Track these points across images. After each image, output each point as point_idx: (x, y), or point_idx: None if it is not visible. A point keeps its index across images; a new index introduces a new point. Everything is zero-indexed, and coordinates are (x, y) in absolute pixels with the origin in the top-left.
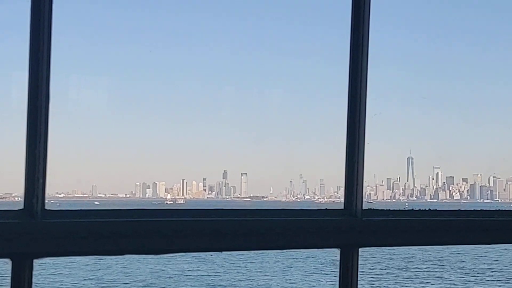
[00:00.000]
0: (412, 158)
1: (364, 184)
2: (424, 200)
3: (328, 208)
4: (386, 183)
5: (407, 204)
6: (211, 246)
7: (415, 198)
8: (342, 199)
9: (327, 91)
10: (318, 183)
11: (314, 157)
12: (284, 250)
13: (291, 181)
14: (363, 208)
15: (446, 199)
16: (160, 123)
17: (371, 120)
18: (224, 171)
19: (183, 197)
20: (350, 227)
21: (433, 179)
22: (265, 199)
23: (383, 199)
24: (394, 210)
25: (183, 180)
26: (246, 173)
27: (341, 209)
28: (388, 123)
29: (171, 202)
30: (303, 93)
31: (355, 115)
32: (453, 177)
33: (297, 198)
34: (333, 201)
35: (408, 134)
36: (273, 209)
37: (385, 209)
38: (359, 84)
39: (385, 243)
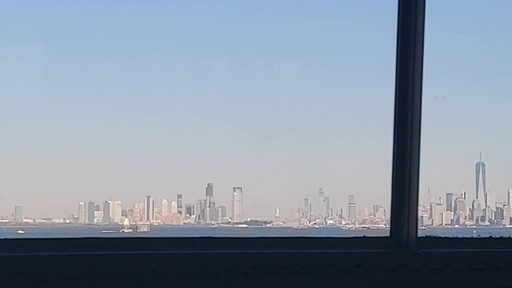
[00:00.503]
0: (484, 165)
1: None
2: (501, 226)
3: (366, 236)
4: (446, 201)
5: (475, 232)
6: None
7: (488, 223)
8: (381, 225)
9: (365, 66)
10: (346, 201)
11: (341, 164)
12: None
13: (306, 199)
14: (418, 235)
15: None
16: (115, 114)
17: (429, 106)
18: (209, 184)
19: (146, 223)
20: (400, 263)
21: None
22: (268, 225)
23: (441, 224)
24: (462, 238)
25: (148, 198)
26: (240, 188)
27: (387, 238)
28: (450, 112)
29: (130, 230)
30: (329, 68)
31: (406, 101)
32: None
33: (314, 224)
34: (367, 228)
35: (477, 128)
36: (286, 237)
37: (449, 236)
38: (411, 54)
39: (452, 285)
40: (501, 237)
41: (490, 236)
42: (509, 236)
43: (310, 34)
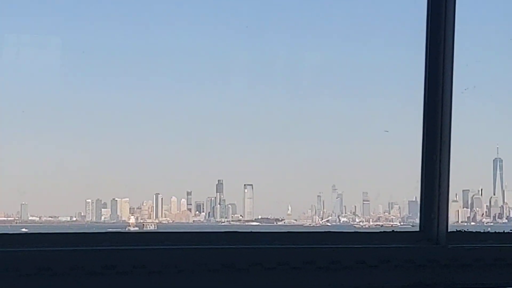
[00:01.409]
0: (501, 160)
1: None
2: None
3: (396, 230)
4: (462, 198)
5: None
6: (224, 286)
7: (506, 220)
8: (395, 222)
9: (391, 57)
10: (360, 198)
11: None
12: None
13: (319, 196)
14: (449, 230)
15: None
16: (123, 109)
17: (459, 97)
18: (219, 181)
19: (153, 221)
20: (430, 258)
21: None
22: (280, 222)
23: (457, 221)
24: (494, 233)
25: (156, 195)
26: (251, 185)
27: (416, 232)
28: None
29: (136, 228)
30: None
31: (437, 90)
32: None
33: (327, 221)
34: (381, 225)
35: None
36: (313, 232)
37: (480, 231)
38: (441, 38)
39: (484, 281)
40: None
41: None
42: None
43: (332, 23)
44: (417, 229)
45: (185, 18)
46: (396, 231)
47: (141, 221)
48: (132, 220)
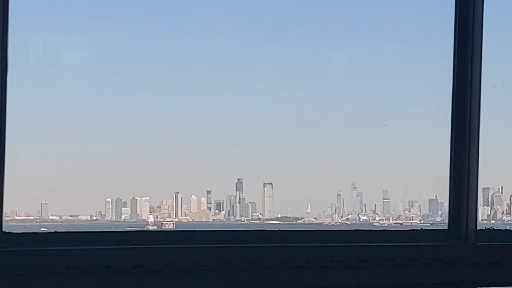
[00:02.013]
0: None
1: (446, 197)
2: None
3: (424, 228)
4: (482, 196)
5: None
6: (251, 285)
7: None
8: (415, 221)
9: (418, 53)
10: (380, 196)
11: (375, 158)
12: None
13: (339, 194)
14: (478, 228)
15: None
16: (145, 108)
17: (488, 93)
18: (238, 180)
19: (173, 220)
20: (459, 256)
21: None
22: (299, 221)
23: (477, 218)
24: None
25: (176, 194)
26: (271, 183)
27: (445, 230)
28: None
29: (155, 227)
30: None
31: (465, 87)
32: None
33: (346, 220)
34: (401, 223)
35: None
36: (341, 230)
37: (510, 229)
38: (470, 34)
39: (511, 279)
40: None
41: None
42: None
43: (358, 22)
44: (439, 227)
45: (211, 19)
46: (425, 229)
47: (161, 220)
48: (151, 219)
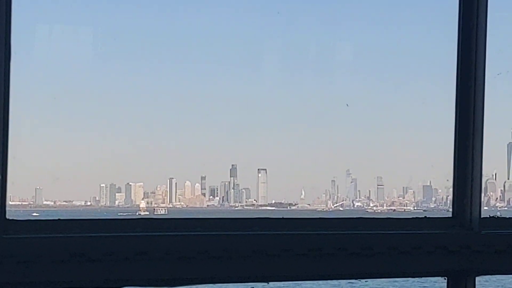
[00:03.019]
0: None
1: (447, 184)
2: None
3: (428, 216)
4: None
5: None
6: (255, 273)
7: None
8: (409, 207)
9: (423, 41)
10: (374, 183)
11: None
12: (363, 280)
13: (333, 181)
14: (481, 216)
15: None
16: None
17: (492, 81)
18: (233, 166)
19: (166, 205)
20: (463, 244)
21: None
22: (293, 207)
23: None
24: None
25: (170, 180)
26: (265, 169)
27: (449, 218)
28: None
29: (147, 213)
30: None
31: (470, 75)
32: None
33: (340, 206)
34: (394, 210)
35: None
36: (344, 218)
37: None
38: (474, 22)
39: None
40: None
41: None
42: None
43: (364, 9)
44: (432, 214)
45: (217, 4)
46: (429, 217)
47: (155, 205)
48: (143, 204)
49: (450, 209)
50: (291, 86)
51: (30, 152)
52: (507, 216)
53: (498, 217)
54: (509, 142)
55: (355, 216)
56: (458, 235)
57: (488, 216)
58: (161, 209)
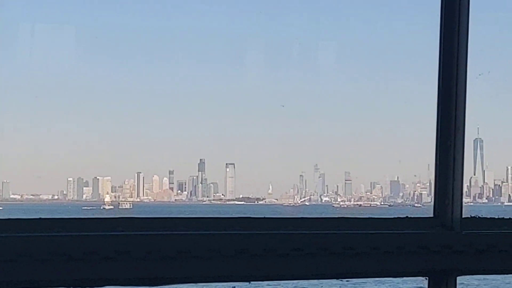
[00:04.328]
0: (482, 141)
1: (414, 180)
2: (499, 203)
3: (410, 216)
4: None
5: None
6: (237, 272)
7: (486, 200)
8: (376, 202)
9: (405, 43)
10: (342, 178)
11: (338, 140)
12: (345, 280)
13: (301, 176)
14: (463, 216)
15: None
16: (109, 89)
17: (473, 82)
18: (201, 160)
19: (134, 200)
20: (444, 244)
21: None
22: (261, 202)
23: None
24: (509, 219)
25: (138, 174)
26: (233, 164)
27: (430, 218)
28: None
29: (111, 207)
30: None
31: (451, 74)
32: None
33: (305, 201)
34: (360, 205)
35: (473, 102)
36: (327, 217)
37: (494, 217)
38: (456, 23)
39: (499, 268)
40: None
41: None
42: None
43: (348, 6)
44: (398, 208)
45: (200, 2)
46: (411, 217)
47: (122, 199)
48: (108, 199)
49: (417, 204)
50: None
51: None
52: (483, 216)
53: (479, 217)
54: (475, 138)
55: (322, 210)
56: (439, 235)
57: (470, 216)
58: (126, 204)
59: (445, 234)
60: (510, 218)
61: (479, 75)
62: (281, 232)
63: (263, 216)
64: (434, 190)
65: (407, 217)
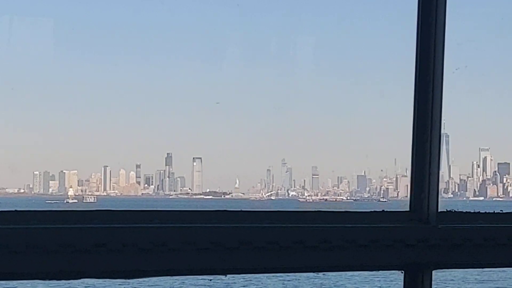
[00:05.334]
0: (448, 136)
1: (381, 174)
2: (464, 198)
3: (386, 210)
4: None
5: None
6: (213, 265)
7: (451, 195)
8: (342, 197)
9: (382, 37)
10: (309, 172)
11: (305, 134)
12: (321, 273)
13: (268, 170)
14: (439, 210)
15: (499, 197)
16: (78, 81)
17: (450, 77)
18: (168, 154)
19: (98, 193)
20: (420, 238)
21: (478, 166)
22: (227, 196)
23: (406, 195)
24: (484, 213)
25: (105, 167)
26: (200, 158)
27: (406, 212)
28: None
29: (75, 201)
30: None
31: (428, 68)
32: (508, 163)
33: (271, 195)
34: (325, 200)
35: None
36: (303, 211)
37: (470, 211)
38: (433, 17)
39: (474, 262)
40: None
41: None
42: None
43: (324, 7)
44: (363, 203)
45: None
46: (387, 211)
47: (88, 193)
48: (71, 192)
49: (382, 199)
50: (234, 78)
51: None
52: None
53: (455, 211)
54: (442, 133)
55: (288, 204)
56: (415, 229)
57: (445, 210)
58: (90, 197)
59: (421, 227)
60: (486, 212)
61: (456, 69)
62: (257, 225)
63: (239, 209)
64: (410, 184)
65: (383, 210)
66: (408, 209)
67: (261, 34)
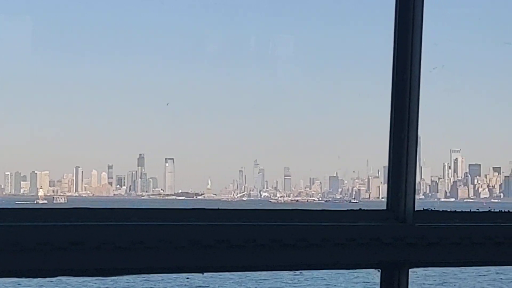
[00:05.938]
0: (419, 137)
1: (353, 175)
2: (435, 199)
3: (362, 209)
4: (383, 174)
5: None
6: (190, 264)
7: (423, 196)
8: (314, 198)
9: (360, 35)
10: (282, 174)
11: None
12: (298, 272)
13: (241, 171)
14: (416, 209)
15: (469, 198)
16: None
17: (428, 76)
18: (140, 155)
19: (70, 194)
20: (397, 236)
21: (449, 168)
22: (199, 197)
23: (378, 197)
24: (460, 212)
25: (77, 168)
26: (172, 159)
27: (383, 210)
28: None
29: (45, 201)
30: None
31: (405, 67)
32: (479, 165)
33: (242, 196)
34: (297, 200)
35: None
36: (280, 209)
37: (447, 210)
38: (410, 16)
39: (451, 260)
40: (500, 211)
41: (489, 210)
42: (508, 211)
43: (303, 6)
44: (334, 204)
45: None
46: (363, 210)
47: (60, 194)
48: (41, 193)
49: (354, 200)
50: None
51: None
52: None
53: (431, 210)
54: None
55: (261, 206)
56: (392, 228)
57: (422, 209)
58: (61, 198)
59: (398, 226)
60: (462, 211)
61: (433, 68)
62: (234, 223)
63: (216, 208)
64: (387, 183)
65: (360, 209)
66: (385, 208)
67: (240, 33)
